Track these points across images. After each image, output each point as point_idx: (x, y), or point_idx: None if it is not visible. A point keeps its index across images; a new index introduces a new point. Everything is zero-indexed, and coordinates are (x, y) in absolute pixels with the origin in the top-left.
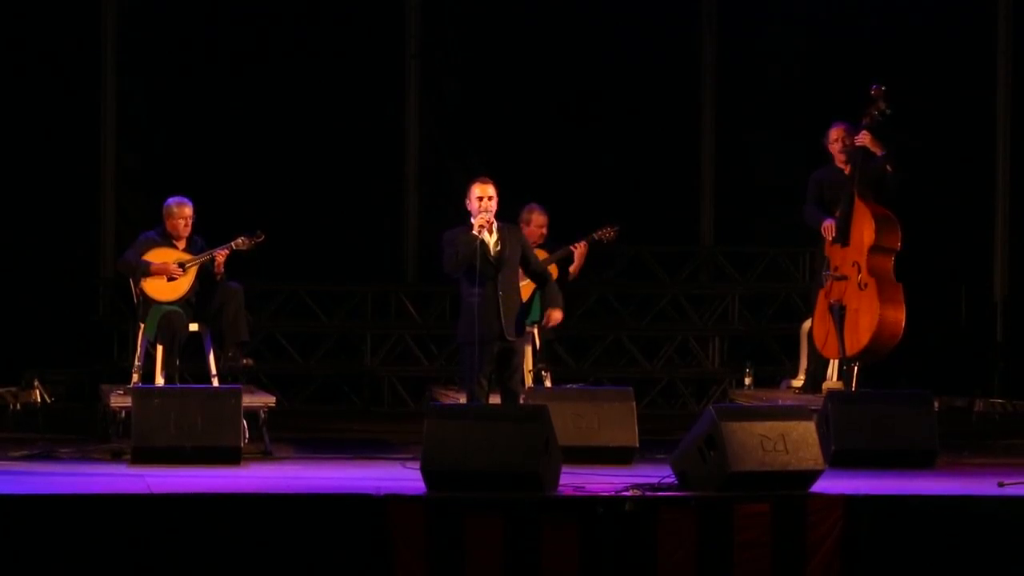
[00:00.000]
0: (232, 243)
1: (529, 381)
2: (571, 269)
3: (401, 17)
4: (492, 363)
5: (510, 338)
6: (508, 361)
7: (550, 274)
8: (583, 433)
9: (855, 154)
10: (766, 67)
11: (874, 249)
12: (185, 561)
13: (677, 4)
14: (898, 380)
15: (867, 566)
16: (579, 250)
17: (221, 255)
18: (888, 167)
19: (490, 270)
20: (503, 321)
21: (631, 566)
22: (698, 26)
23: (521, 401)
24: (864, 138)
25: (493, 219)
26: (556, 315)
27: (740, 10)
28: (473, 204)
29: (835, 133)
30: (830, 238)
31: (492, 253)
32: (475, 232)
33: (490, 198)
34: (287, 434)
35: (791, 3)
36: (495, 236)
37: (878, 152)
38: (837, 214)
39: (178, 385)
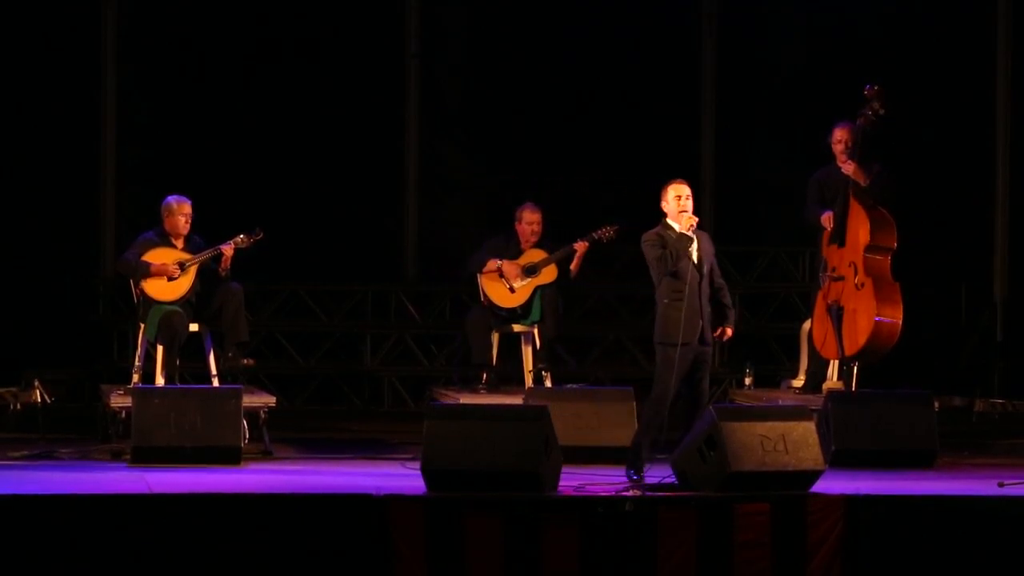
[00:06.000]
0: (232, 241)
1: (529, 381)
2: (571, 267)
3: (401, 17)
4: (687, 366)
5: (710, 343)
6: (703, 364)
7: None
8: (583, 433)
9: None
10: (766, 67)
11: (870, 249)
12: (185, 561)
13: (677, 4)
14: (898, 380)
15: (867, 566)
16: (580, 249)
17: (228, 250)
18: (872, 195)
19: (696, 273)
20: (703, 324)
21: (631, 566)
22: (698, 26)
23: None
24: (849, 168)
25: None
26: (729, 331)
27: (740, 11)
28: (671, 205)
29: (840, 133)
30: (829, 227)
31: (696, 257)
32: (687, 232)
33: (688, 197)
34: (287, 434)
35: (791, 3)
36: (695, 240)
37: (861, 182)
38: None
39: (178, 385)
